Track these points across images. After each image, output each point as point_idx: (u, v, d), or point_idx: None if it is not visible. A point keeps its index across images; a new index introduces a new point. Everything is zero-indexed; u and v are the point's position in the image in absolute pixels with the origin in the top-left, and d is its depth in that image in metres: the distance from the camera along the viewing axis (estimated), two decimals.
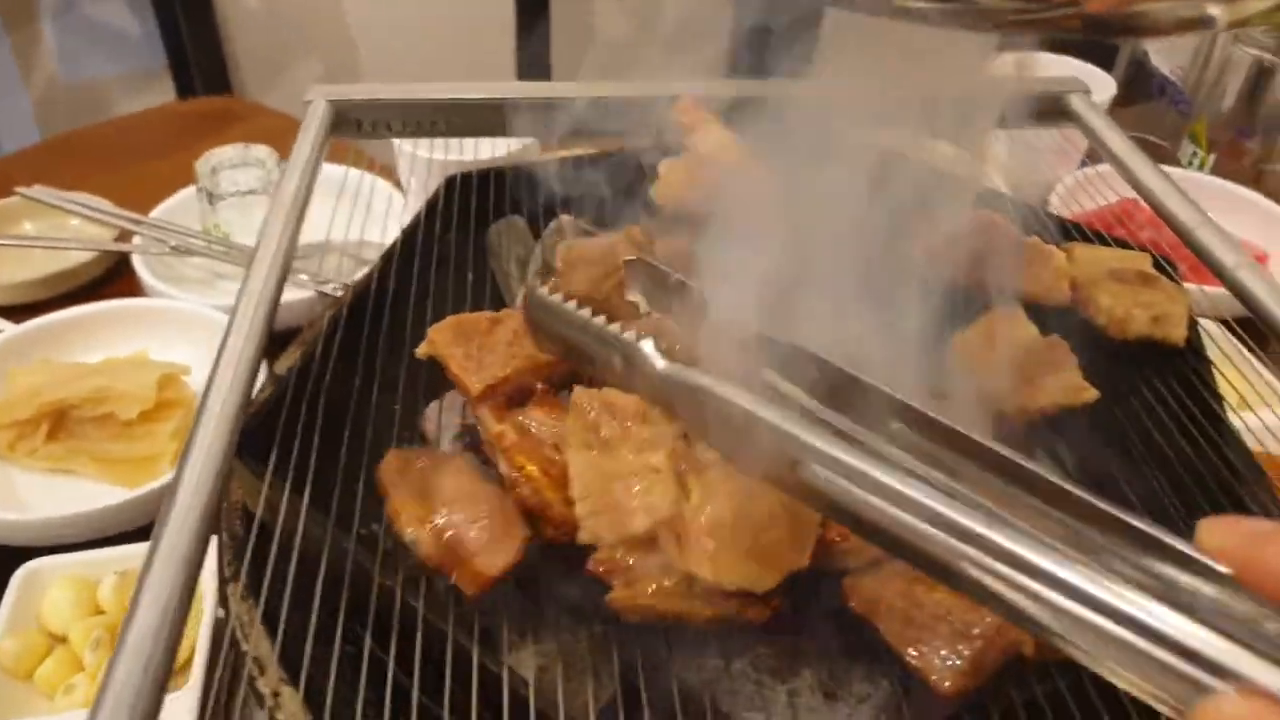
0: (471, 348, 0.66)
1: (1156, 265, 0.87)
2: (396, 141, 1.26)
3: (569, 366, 0.67)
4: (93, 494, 0.98)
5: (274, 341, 0.75)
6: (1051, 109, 1.02)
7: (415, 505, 0.58)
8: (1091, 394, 0.69)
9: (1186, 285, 0.86)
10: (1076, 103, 1.00)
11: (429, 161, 1.17)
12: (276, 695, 0.63)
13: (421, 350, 0.69)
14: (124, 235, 1.28)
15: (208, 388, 0.65)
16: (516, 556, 0.56)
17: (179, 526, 0.55)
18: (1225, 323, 0.89)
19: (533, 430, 0.62)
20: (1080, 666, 0.56)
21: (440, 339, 0.67)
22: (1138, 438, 0.77)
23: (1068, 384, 0.68)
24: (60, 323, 1.12)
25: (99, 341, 1.13)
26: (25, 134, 2.55)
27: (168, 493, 0.57)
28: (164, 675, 0.48)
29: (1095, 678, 0.56)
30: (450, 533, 0.56)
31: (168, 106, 2.14)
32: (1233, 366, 0.82)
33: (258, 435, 0.66)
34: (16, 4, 2.59)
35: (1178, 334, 0.78)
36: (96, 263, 1.27)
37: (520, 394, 0.66)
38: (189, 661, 0.76)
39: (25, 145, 1.83)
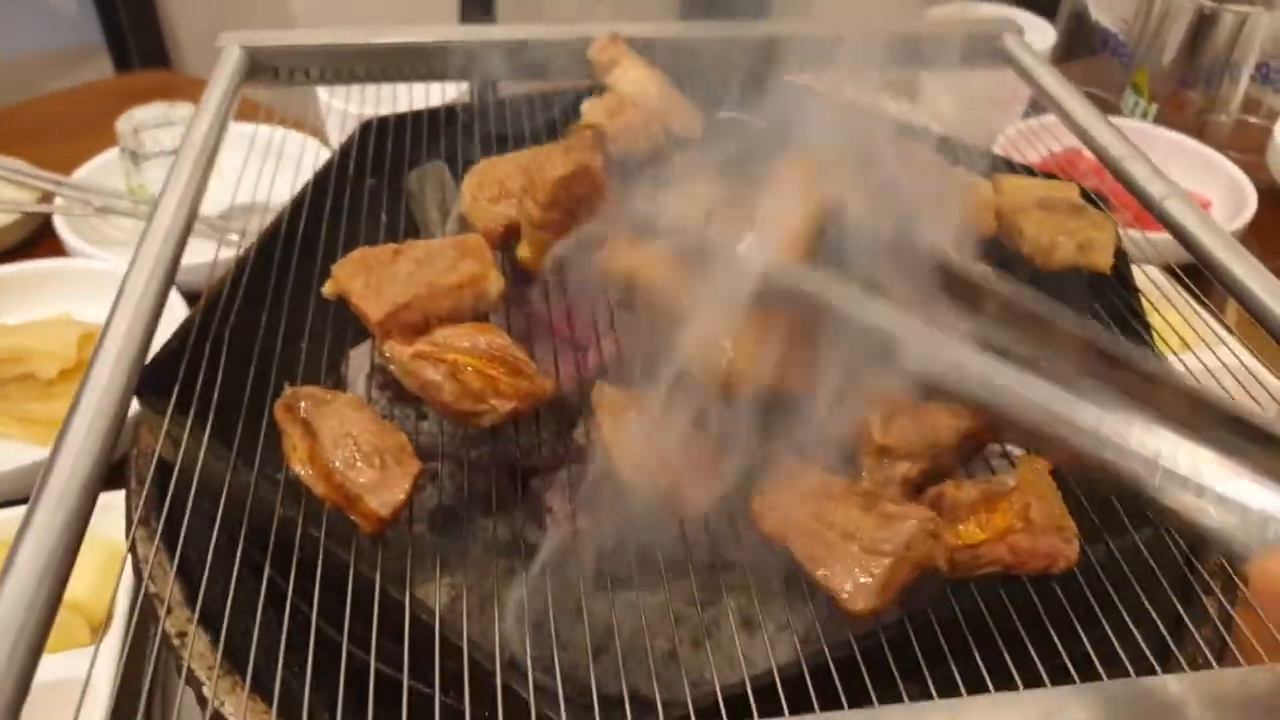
0: (371, 278, 0.64)
1: (1089, 200, 0.86)
2: (323, 98, 1.23)
3: (471, 299, 0.66)
4: (14, 454, 0.96)
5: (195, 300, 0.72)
6: (985, 50, 1.01)
7: (305, 443, 0.56)
8: None
9: (1130, 231, 0.85)
10: (1009, 43, 0.99)
11: (357, 116, 1.14)
12: (183, 635, 0.61)
13: (328, 289, 0.67)
14: (47, 198, 1.25)
15: (105, 327, 0.62)
16: (406, 496, 0.54)
17: (66, 471, 0.52)
18: (1169, 269, 0.89)
19: (442, 340, 0.61)
20: (1001, 582, 0.57)
21: (343, 274, 0.65)
22: None
23: None
24: None
25: (21, 303, 1.10)
26: None
27: (56, 439, 0.54)
28: (44, 626, 0.45)
29: (1016, 595, 0.56)
30: (339, 472, 0.54)
31: (103, 82, 2.09)
32: (1175, 312, 0.81)
33: (159, 375, 0.64)
34: None
35: (1104, 261, 0.76)
36: (19, 225, 1.24)
37: (422, 326, 0.64)
38: (111, 613, 0.74)
39: None
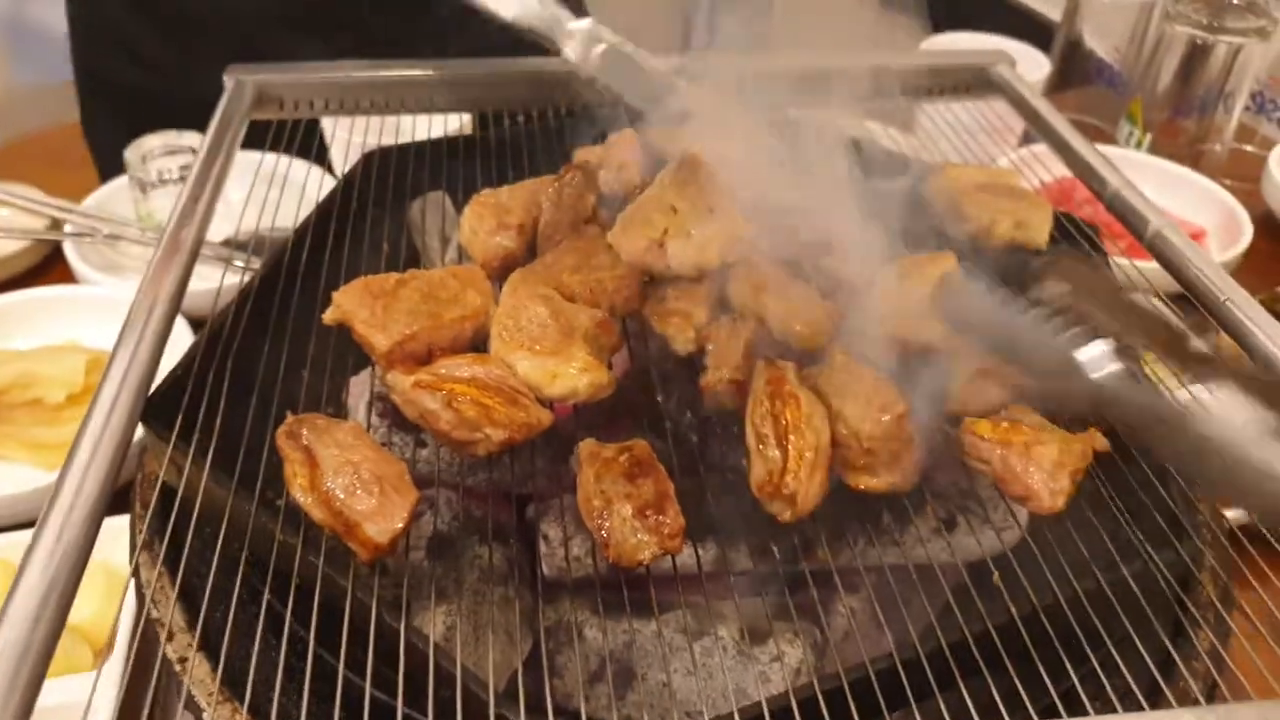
0: (377, 308, 0.65)
1: (1078, 228, 0.87)
2: (329, 129, 1.25)
3: (471, 331, 0.67)
4: (21, 478, 0.97)
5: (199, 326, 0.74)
6: (977, 80, 1.02)
7: (306, 470, 0.57)
8: None
9: (1119, 260, 0.87)
10: (1003, 73, 1.01)
11: (362, 145, 1.16)
12: (184, 661, 0.62)
13: (329, 316, 0.68)
14: (57, 225, 1.27)
15: (112, 354, 0.64)
16: (404, 525, 0.56)
17: (71, 496, 0.53)
18: (1161, 299, 0.90)
19: (443, 371, 0.62)
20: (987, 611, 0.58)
21: (346, 302, 0.66)
22: None
23: None
24: None
25: (30, 329, 1.11)
26: None
27: (64, 463, 0.56)
28: (48, 649, 0.46)
29: (1004, 629, 0.57)
30: (338, 499, 0.56)
31: None
32: None
33: (164, 402, 0.65)
34: None
35: (1040, 238, 0.81)
36: (29, 252, 1.26)
37: (424, 357, 0.65)
38: (113, 638, 0.75)
39: None
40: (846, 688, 0.52)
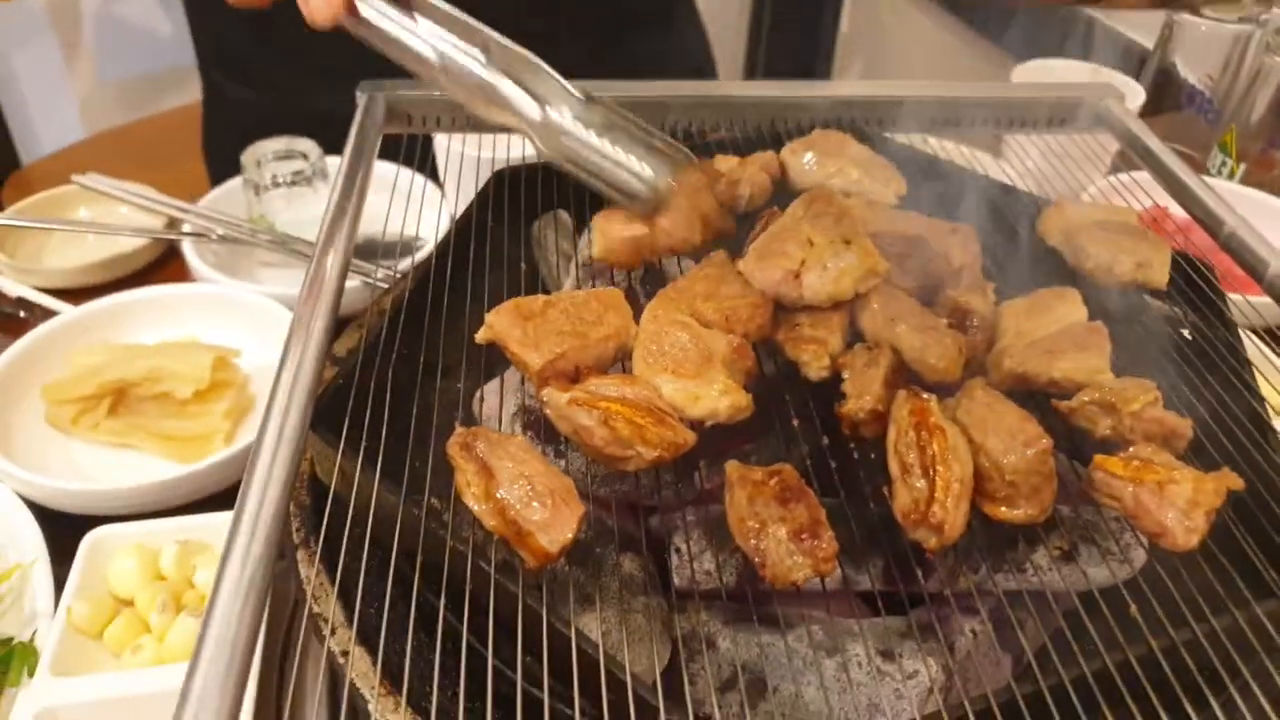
0: (529, 328, 0.69)
1: (1194, 269, 0.88)
2: (439, 139, 1.29)
3: (613, 349, 0.71)
4: (151, 468, 1.02)
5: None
6: (1084, 113, 1.04)
7: (480, 480, 0.61)
8: (1107, 376, 0.71)
9: (1234, 295, 0.88)
10: (1110, 107, 1.02)
11: (476, 159, 1.20)
12: (346, 654, 0.66)
13: (481, 335, 0.72)
14: (172, 223, 1.32)
15: (281, 366, 0.67)
16: (575, 533, 0.59)
17: (258, 500, 0.56)
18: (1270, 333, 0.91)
19: (594, 388, 0.66)
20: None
21: (498, 322, 0.70)
22: None
23: (1087, 365, 0.71)
24: (116, 306, 1.15)
25: (151, 325, 1.17)
26: (72, 133, 2.60)
27: (248, 465, 0.59)
28: (252, 641, 0.50)
29: (1146, 660, 0.59)
30: (512, 509, 0.59)
31: (199, 105, 2.18)
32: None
33: (329, 411, 0.69)
34: (62, 4, 2.65)
35: (1161, 279, 0.82)
36: (148, 249, 1.31)
37: (572, 375, 0.69)
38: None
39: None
40: (995, 708, 0.54)
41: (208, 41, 1.63)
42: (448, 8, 0.82)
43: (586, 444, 0.66)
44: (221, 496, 0.97)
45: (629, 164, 0.82)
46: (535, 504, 0.59)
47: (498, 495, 0.59)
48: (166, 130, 2.03)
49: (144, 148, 1.93)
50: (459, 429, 0.64)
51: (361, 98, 0.98)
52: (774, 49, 3.43)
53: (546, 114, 0.83)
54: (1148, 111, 1.60)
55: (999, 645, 0.71)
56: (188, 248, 1.25)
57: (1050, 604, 0.72)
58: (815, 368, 0.72)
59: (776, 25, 3.38)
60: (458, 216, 0.90)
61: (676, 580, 0.72)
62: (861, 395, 0.67)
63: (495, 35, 0.82)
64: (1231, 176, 1.48)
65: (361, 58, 0.87)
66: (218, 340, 1.15)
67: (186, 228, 1.29)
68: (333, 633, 0.67)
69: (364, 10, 0.81)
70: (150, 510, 0.94)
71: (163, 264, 1.34)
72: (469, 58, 0.83)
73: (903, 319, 0.72)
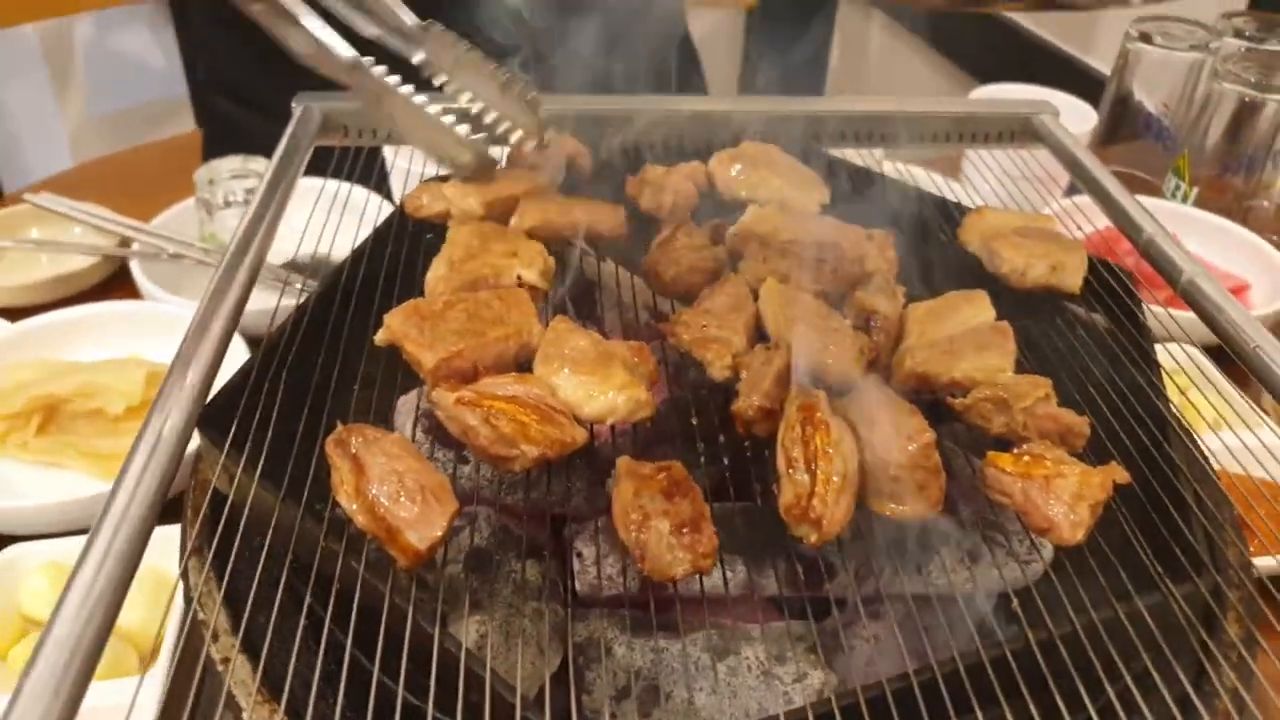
0: (426, 328, 0.68)
1: (1111, 272, 0.88)
2: (390, 158, 1.30)
3: (515, 348, 0.70)
4: (80, 487, 1.01)
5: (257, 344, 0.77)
6: (1022, 129, 1.04)
7: (352, 478, 0.60)
8: (1006, 375, 0.70)
9: (1156, 308, 0.87)
10: (1045, 121, 1.02)
11: (420, 175, 1.20)
12: (226, 661, 0.65)
13: (380, 337, 0.71)
14: (125, 243, 1.32)
15: (171, 365, 0.67)
16: (443, 533, 0.58)
17: (127, 496, 0.55)
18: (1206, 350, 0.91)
19: (486, 389, 0.65)
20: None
21: (396, 323, 0.69)
22: None
23: (987, 365, 0.70)
24: (56, 324, 1.15)
25: (96, 342, 1.17)
26: (61, 165, 2.63)
27: (125, 461, 0.58)
28: (95, 651, 0.47)
29: (1021, 655, 0.58)
30: (381, 506, 0.58)
31: (183, 136, 2.20)
32: (1213, 389, 0.83)
33: (220, 412, 0.68)
34: (54, 36, 2.69)
35: (1074, 282, 0.83)
36: (98, 268, 1.31)
37: (471, 376, 0.68)
38: (159, 642, 0.78)
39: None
40: (863, 706, 0.52)
41: (211, 68, 1.66)
42: None
43: (474, 444, 0.65)
44: None
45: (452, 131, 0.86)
46: (405, 500, 0.58)
47: (369, 492, 0.58)
48: (150, 161, 2.05)
49: (119, 176, 1.94)
50: (339, 427, 0.63)
51: (297, 108, 0.98)
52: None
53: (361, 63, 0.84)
54: (1105, 140, 1.61)
55: (903, 648, 0.70)
56: (135, 266, 1.25)
57: (960, 606, 0.70)
58: (718, 367, 0.71)
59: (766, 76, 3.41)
60: (378, 224, 0.90)
61: (578, 586, 0.71)
62: (750, 393, 0.66)
63: None
64: (1185, 201, 1.48)
65: None
66: (163, 359, 1.14)
67: (136, 246, 1.29)
68: (215, 639, 0.66)
69: None
70: (78, 529, 0.93)
71: (113, 284, 1.34)
72: None
73: (803, 319, 0.71)
